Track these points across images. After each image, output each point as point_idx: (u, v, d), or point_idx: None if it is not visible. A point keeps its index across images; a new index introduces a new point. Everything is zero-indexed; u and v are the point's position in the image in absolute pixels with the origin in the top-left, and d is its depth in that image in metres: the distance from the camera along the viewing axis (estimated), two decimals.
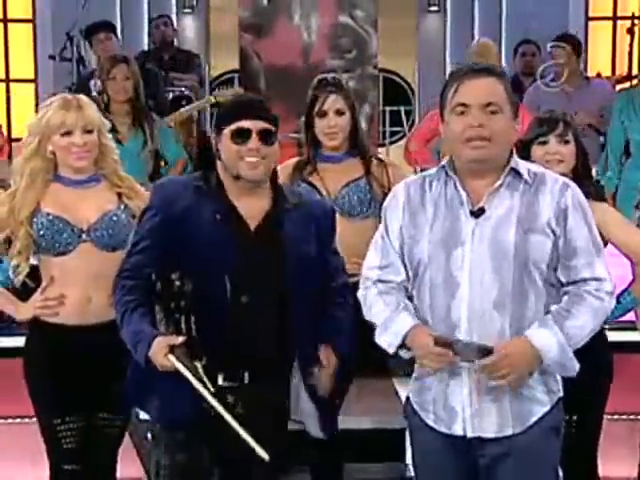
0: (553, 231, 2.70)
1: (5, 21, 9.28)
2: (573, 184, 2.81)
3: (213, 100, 6.57)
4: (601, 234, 3.47)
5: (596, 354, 3.50)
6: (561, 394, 2.80)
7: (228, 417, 2.79)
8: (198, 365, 2.81)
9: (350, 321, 3.09)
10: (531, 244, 2.68)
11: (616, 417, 4.49)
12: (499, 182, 2.73)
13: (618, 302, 3.51)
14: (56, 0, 8.78)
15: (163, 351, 2.80)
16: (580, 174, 3.54)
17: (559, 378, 2.79)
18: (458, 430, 2.77)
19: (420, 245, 2.76)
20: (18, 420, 4.55)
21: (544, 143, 3.48)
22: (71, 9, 7.75)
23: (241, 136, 2.90)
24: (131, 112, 5.36)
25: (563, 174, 3.37)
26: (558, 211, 2.71)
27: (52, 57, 7.97)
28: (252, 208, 2.95)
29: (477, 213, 2.71)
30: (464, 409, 2.75)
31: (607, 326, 3.69)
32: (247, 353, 2.90)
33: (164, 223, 2.91)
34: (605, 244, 3.56)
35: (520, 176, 2.75)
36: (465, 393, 2.75)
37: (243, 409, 2.89)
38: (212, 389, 2.81)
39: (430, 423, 2.83)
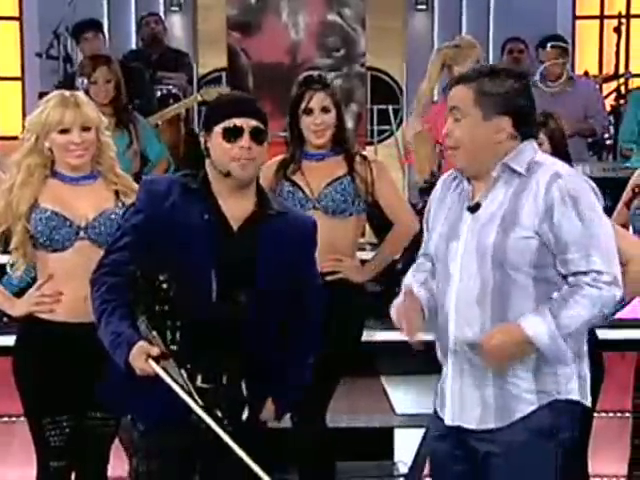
0: (537, 231, 2.67)
1: None
2: (566, 174, 2.74)
3: (200, 98, 6.55)
4: None
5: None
6: (560, 396, 2.75)
7: (215, 427, 2.76)
8: (183, 372, 2.80)
9: (315, 344, 3.10)
10: (510, 246, 2.69)
11: (604, 415, 4.51)
12: (493, 178, 2.76)
13: None
14: None
15: (143, 356, 2.79)
16: None
17: (562, 380, 2.75)
18: (444, 417, 2.83)
19: (433, 238, 2.87)
20: (5, 419, 4.53)
21: None
22: (58, 7, 7.71)
23: (233, 134, 2.88)
24: (114, 113, 5.36)
25: None
26: (544, 208, 2.68)
27: (39, 55, 7.94)
28: (237, 209, 2.94)
29: (473, 208, 2.76)
30: (452, 396, 2.80)
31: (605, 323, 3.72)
32: (227, 353, 2.88)
33: (149, 221, 2.89)
34: None
35: (514, 171, 2.74)
36: (452, 381, 2.80)
37: (221, 410, 2.86)
38: (197, 397, 2.79)
39: (437, 409, 2.89)
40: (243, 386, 2.92)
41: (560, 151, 3.59)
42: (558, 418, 2.75)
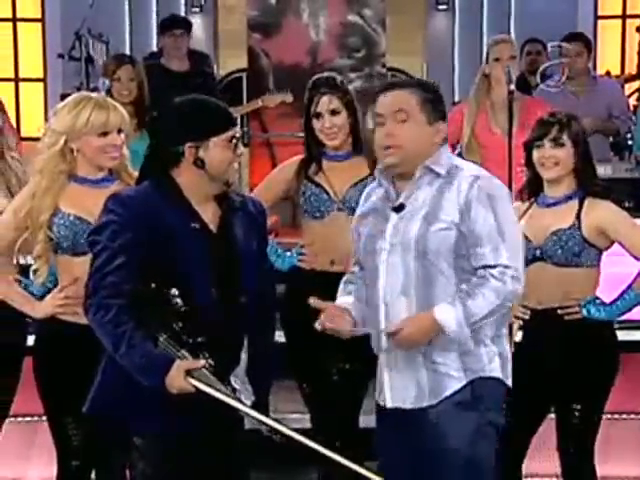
0: (456, 224, 2.90)
1: (14, 20, 9.29)
2: (487, 177, 2.97)
3: (261, 104, 6.55)
4: (605, 233, 3.52)
5: (603, 350, 3.53)
6: (484, 374, 2.96)
7: (283, 429, 2.78)
8: (225, 383, 2.81)
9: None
10: (431, 236, 2.91)
11: (619, 416, 4.49)
12: (415, 179, 2.98)
13: (622, 299, 3.54)
14: None
15: (182, 375, 2.77)
16: (581, 174, 3.62)
17: (485, 359, 2.96)
18: (381, 401, 3.05)
19: (360, 240, 3.08)
20: (28, 418, 4.55)
21: (540, 147, 3.61)
22: (80, 8, 7.76)
23: (235, 144, 2.95)
24: (135, 113, 5.35)
25: (561, 176, 3.60)
26: (463, 203, 2.91)
27: (61, 56, 7.99)
28: (208, 212, 2.96)
29: (398, 208, 2.98)
30: (390, 381, 3.02)
31: (617, 325, 3.71)
32: (232, 353, 2.96)
33: (138, 237, 2.84)
34: (611, 244, 3.58)
35: (435, 173, 2.97)
36: (388, 369, 3.02)
37: None
38: (248, 404, 2.83)
39: (376, 396, 3.11)
40: (232, 380, 2.95)
41: (582, 152, 3.63)
42: (480, 392, 2.96)
